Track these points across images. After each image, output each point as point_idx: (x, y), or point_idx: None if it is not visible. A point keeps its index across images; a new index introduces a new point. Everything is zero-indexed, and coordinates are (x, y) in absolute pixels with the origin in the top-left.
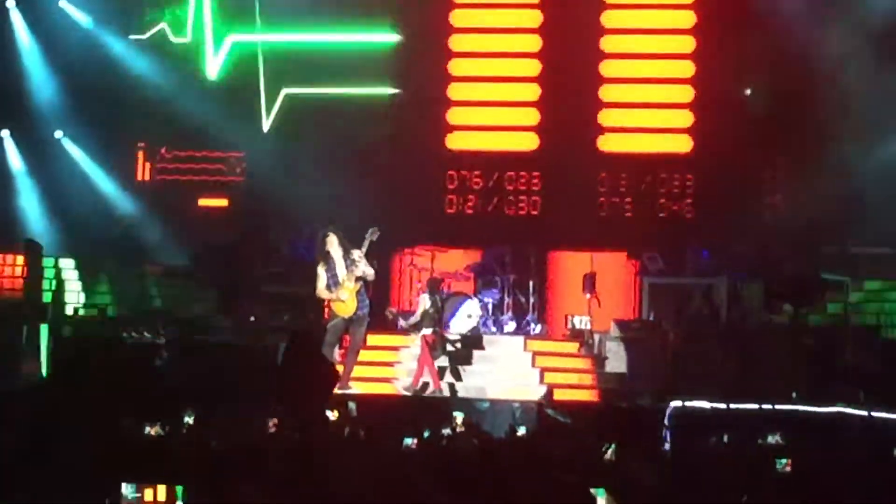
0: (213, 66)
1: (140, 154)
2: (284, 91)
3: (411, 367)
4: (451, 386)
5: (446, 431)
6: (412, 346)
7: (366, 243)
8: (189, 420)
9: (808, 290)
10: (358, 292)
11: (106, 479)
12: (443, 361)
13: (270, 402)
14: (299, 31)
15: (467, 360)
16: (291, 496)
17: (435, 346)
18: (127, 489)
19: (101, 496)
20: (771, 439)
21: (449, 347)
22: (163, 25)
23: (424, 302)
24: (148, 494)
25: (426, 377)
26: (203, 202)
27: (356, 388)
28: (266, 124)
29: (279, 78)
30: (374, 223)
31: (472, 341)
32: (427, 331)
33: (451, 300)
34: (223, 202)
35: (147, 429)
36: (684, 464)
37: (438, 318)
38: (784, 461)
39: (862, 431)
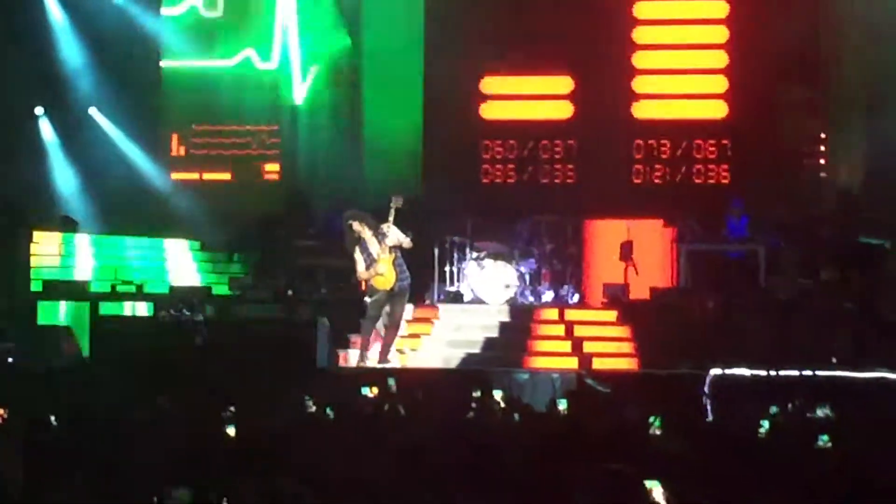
0: (300, 93)
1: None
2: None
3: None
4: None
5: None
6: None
7: (391, 212)
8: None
9: (852, 255)
10: (395, 261)
11: (155, 480)
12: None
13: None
14: None
15: None
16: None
17: None
18: (177, 491)
19: (149, 495)
20: (820, 412)
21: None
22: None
23: None
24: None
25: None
26: (242, 176)
27: (396, 363)
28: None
29: None
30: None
31: None
32: None
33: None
34: (261, 176)
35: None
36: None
37: None
38: (827, 437)
39: None
